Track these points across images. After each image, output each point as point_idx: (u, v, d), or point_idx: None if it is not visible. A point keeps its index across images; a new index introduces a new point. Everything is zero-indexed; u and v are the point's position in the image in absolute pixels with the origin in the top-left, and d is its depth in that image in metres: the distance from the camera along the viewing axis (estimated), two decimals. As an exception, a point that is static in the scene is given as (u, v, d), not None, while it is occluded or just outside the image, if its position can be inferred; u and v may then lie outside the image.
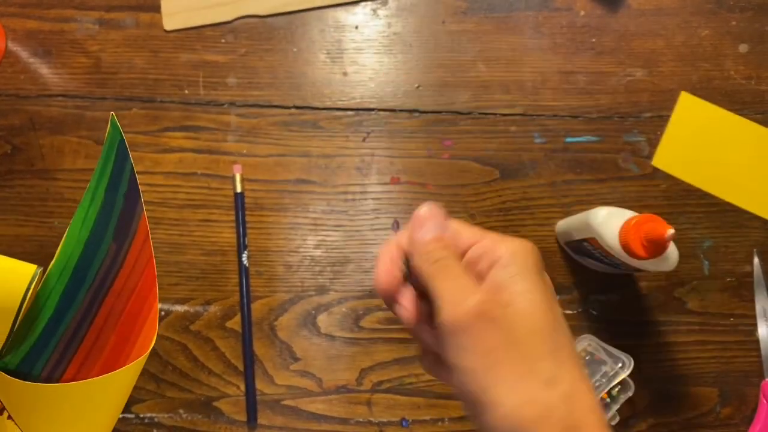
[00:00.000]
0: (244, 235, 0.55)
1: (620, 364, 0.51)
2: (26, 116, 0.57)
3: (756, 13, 0.61)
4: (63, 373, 0.37)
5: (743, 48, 0.61)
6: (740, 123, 0.59)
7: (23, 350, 0.36)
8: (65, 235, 0.36)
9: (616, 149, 0.59)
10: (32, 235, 0.56)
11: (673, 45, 0.60)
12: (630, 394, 0.52)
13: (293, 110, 0.58)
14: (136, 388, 0.54)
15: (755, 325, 0.57)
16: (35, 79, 0.58)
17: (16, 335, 0.35)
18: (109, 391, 0.37)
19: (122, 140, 0.36)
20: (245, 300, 0.54)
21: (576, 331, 0.56)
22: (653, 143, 0.59)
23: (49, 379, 0.37)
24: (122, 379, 0.37)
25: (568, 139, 0.59)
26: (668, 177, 0.59)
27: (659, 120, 0.59)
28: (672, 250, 0.47)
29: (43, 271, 0.36)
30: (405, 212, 0.57)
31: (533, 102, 0.59)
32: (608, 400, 0.53)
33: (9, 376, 0.35)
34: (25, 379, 0.36)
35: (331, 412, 0.55)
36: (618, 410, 0.52)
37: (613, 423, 0.53)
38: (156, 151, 0.57)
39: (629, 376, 0.51)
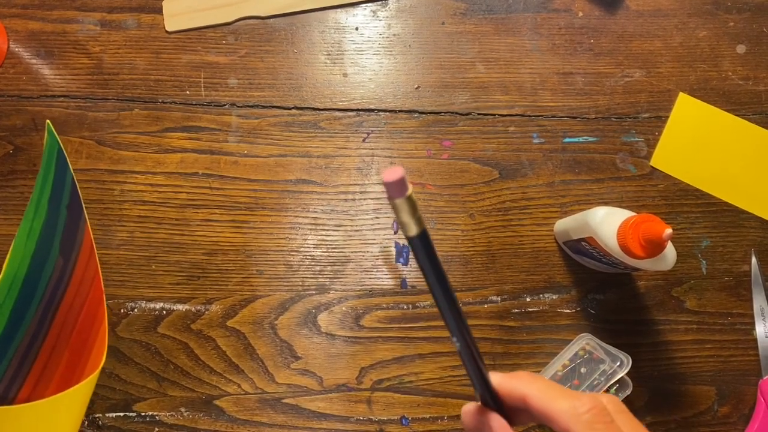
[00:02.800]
0: (447, 297, 0.29)
1: (618, 363, 0.51)
2: (28, 117, 0.57)
3: (753, 14, 0.61)
4: (18, 392, 0.35)
5: (741, 49, 0.61)
6: (738, 123, 0.60)
7: None
8: (11, 248, 0.34)
9: (614, 149, 0.59)
10: (34, 235, 0.56)
11: (671, 46, 0.61)
12: (628, 392, 0.53)
13: (294, 111, 0.59)
14: (137, 386, 0.54)
15: (753, 324, 0.57)
16: (37, 80, 0.58)
17: None
18: (65, 409, 0.35)
19: (60, 149, 0.35)
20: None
21: (574, 330, 0.56)
22: (651, 144, 0.59)
23: (2, 400, 0.35)
24: (77, 397, 0.35)
25: (567, 140, 0.59)
26: (666, 177, 0.59)
27: (657, 120, 0.60)
28: (670, 250, 0.47)
29: None
30: (405, 212, 0.57)
31: (532, 103, 0.59)
32: (606, 398, 0.53)
33: None
34: None
35: (332, 410, 0.55)
36: (616, 408, 0.53)
37: (612, 421, 0.53)
38: (157, 152, 0.57)
39: (627, 374, 0.51)
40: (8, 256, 0.34)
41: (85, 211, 0.34)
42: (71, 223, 0.35)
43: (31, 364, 0.36)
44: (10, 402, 0.35)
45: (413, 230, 0.26)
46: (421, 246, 0.26)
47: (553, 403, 0.30)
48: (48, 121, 0.35)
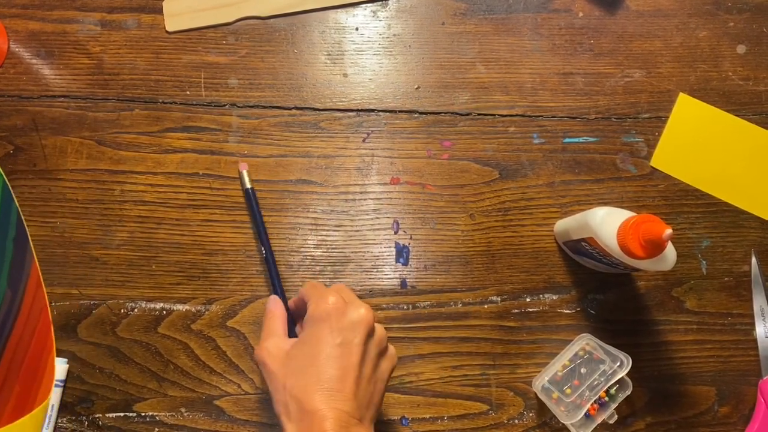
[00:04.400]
0: (264, 230, 0.55)
1: (618, 363, 0.51)
2: (29, 117, 0.57)
3: (753, 15, 0.61)
4: None
5: (741, 49, 0.61)
6: (738, 124, 0.60)
7: None
8: None
9: (615, 150, 0.59)
10: (34, 235, 0.56)
11: (671, 46, 0.61)
12: (628, 392, 0.53)
13: (294, 111, 0.59)
14: (137, 386, 0.54)
15: (753, 324, 0.57)
16: (37, 80, 0.58)
17: None
18: None
19: (5, 183, 0.35)
20: (278, 286, 0.54)
21: (574, 330, 0.56)
22: (651, 144, 0.59)
23: None
24: (28, 428, 0.36)
25: (567, 140, 0.59)
26: (666, 177, 0.59)
27: (657, 121, 0.60)
28: (670, 250, 0.47)
29: None
30: (405, 212, 0.58)
31: (532, 103, 0.59)
32: (606, 398, 0.53)
33: None
34: None
35: (332, 410, 0.55)
36: (616, 409, 0.53)
37: (611, 422, 0.53)
38: (158, 152, 0.57)
39: (627, 374, 0.51)
40: None
41: (31, 244, 0.34)
42: (18, 255, 0.35)
43: None
44: None
45: (247, 185, 0.56)
46: (252, 195, 0.56)
47: (310, 293, 0.47)
48: None
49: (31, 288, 0.35)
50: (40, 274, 0.35)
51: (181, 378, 0.55)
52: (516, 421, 0.55)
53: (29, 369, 0.36)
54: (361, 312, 0.44)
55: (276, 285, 0.54)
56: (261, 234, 0.55)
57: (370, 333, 0.45)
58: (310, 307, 0.46)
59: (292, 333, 0.51)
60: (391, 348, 0.47)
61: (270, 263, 0.54)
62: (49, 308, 0.36)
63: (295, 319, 0.52)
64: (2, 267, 0.34)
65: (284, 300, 0.53)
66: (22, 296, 0.35)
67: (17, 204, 0.33)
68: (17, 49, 0.59)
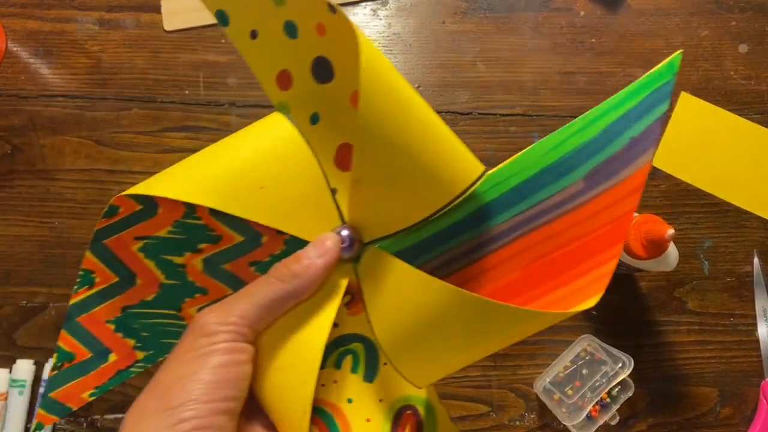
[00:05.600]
0: None
1: (620, 364, 0.51)
2: (27, 116, 0.57)
3: (755, 14, 0.61)
4: (449, 275, 0.33)
5: (743, 48, 0.61)
6: (740, 123, 0.59)
7: (409, 241, 0.32)
8: (518, 155, 0.31)
9: (616, 149, 0.59)
10: (32, 235, 0.56)
11: (673, 45, 0.60)
12: (630, 394, 0.52)
13: (293, 110, 0.58)
14: (136, 387, 0.54)
15: (755, 325, 0.57)
16: (36, 79, 0.58)
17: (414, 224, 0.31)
18: (485, 317, 0.32)
19: (668, 84, 0.29)
20: None
21: (576, 331, 0.56)
22: (653, 143, 0.59)
23: (433, 270, 0.32)
24: (508, 317, 0.32)
25: (568, 140, 0.59)
26: (668, 177, 0.59)
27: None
28: (672, 250, 0.47)
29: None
30: (405, 212, 0.57)
31: (533, 102, 0.59)
32: (608, 400, 0.53)
33: (387, 255, 0.31)
34: None
35: (332, 412, 0.55)
36: (618, 410, 0.52)
37: (613, 423, 0.53)
38: (156, 151, 0.57)
39: (629, 376, 0.51)
40: (514, 158, 0.31)
41: (653, 153, 0.30)
42: (624, 155, 0.29)
43: (463, 265, 0.33)
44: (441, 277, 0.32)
45: None
46: None
47: None
48: (681, 51, 0.30)
49: (614, 193, 0.30)
50: (641, 187, 0.30)
51: (180, 379, 0.54)
52: (517, 422, 0.55)
53: (538, 270, 0.32)
54: None
55: None
56: None
57: None
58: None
59: None
60: None
61: None
62: (628, 224, 0.31)
63: None
64: (592, 158, 0.30)
65: None
66: (594, 196, 0.30)
67: (665, 110, 0.29)
68: (15, 49, 0.58)
